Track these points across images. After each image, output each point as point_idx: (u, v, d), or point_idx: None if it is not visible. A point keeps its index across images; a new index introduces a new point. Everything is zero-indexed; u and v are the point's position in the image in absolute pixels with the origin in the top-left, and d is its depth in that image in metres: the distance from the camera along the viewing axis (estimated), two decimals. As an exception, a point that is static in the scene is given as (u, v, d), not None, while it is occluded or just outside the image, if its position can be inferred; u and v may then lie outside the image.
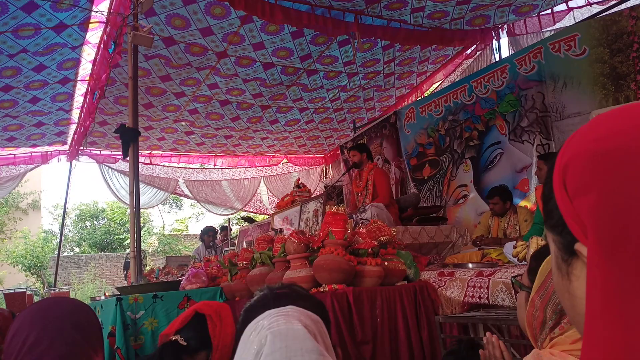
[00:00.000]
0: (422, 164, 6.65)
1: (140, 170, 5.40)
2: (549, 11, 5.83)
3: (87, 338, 1.41)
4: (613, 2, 5.21)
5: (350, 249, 3.20)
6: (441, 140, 6.38)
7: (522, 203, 5.03)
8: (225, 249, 6.25)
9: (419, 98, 7.54)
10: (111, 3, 4.72)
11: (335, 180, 7.26)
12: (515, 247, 3.15)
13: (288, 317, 0.99)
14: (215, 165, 9.64)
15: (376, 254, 3.20)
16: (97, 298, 4.51)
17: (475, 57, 6.83)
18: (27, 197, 19.59)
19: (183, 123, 7.69)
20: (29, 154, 7.90)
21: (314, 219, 4.51)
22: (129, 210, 4.66)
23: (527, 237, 3.72)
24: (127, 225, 18.73)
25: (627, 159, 0.44)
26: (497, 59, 6.30)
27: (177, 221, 23.21)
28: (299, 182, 5.60)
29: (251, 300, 1.18)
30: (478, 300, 3.00)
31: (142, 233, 4.99)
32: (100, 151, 8.37)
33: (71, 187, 8.60)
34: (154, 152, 8.88)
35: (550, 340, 1.15)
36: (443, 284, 3.32)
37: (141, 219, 4.64)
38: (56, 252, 11.95)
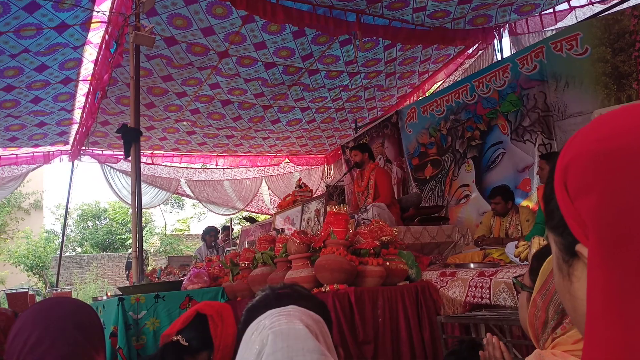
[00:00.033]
0: (424, 164, 6.64)
1: (142, 170, 5.40)
2: (551, 10, 5.83)
3: (89, 338, 1.41)
4: (615, 1, 5.20)
5: (352, 249, 3.20)
6: (443, 140, 6.37)
7: (524, 203, 5.03)
8: (227, 249, 6.26)
9: (420, 97, 7.54)
10: (113, 3, 4.73)
11: (336, 180, 7.26)
12: (517, 247, 3.15)
13: (290, 317, 0.99)
14: (216, 165, 9.65)
15: (378, 254, 3.20)
16: (99, 298, 4.52)
17: (476, 56, 6.82)
18: (29, 197, 19.63)
19: (185, 123, 7.70)
20: (31, 154, 7.92)
21: (316, 219, 4.51)
22: (130, 210, 4.66)
23: (529, 237, 3.71)
24: (129, 225, 18.77)
25: (629, 159, 0.44)
26: (499, 58, 6.29)
27: (179, 221, 23.24)
28: (301, 182, 5.60)
29: (253, 300, 1.18)
30: (480, 300, 3.00)
31: (144, 233, 4.99)
32: (102, 151, 8.39)
33: (73, 187, 8.61)
34: (155, 152, 8.89)
35: (552, 340, 1.15)
36: (445, 284, 3.32)
37: (143, 219, 4.64)
38: (58, 252, 11.97)
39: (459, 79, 6.86)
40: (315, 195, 5.79)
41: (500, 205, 4.55)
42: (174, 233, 21.75)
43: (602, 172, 0.45)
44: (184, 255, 15.06)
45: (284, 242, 3.44)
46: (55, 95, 6.20)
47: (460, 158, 6.10)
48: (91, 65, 5.71)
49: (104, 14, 4.84)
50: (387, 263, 3.20)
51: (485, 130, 5.77)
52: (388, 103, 8.11)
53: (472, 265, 3.54)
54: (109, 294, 4.84)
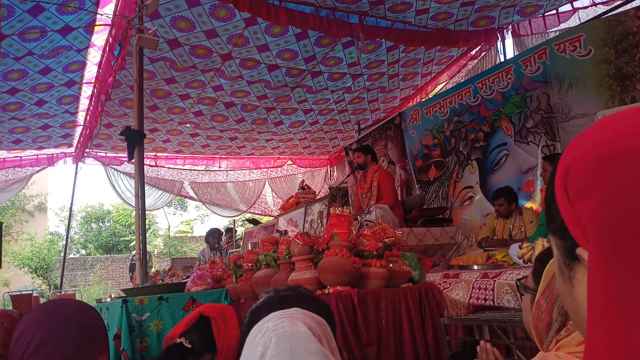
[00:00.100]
0: (428, 166, 6.63)
1: (145, 172, 5.42)
2: (554, 12, 5.81)
3: (92, 340, 1.41)
4: (618, 3, 5.19)
5: (355, 251, 3.20)
6: (446, 141, 6.36)
7: (528, 204, 5.02)
8: (230, 251, 6.26)
9: (423, 99, 7.53)
10: (116, 6, 4.75)
11: (339, 182, 7.26)
12: (520, 249, 3.14)
13: (293, 320, 0.99)
14: (220, 167, 9.67)
15: (381, 256, 3.20)
16: (103, 300, 4.53)
17: (479, 58, 6.81)
18: (34, 199, 19.70)
19: (188, 125, 7.72)
20: (35, 156, 7.95)
21: (319, 221, 4.51)
22: (134, 212, 4.67)
23: (533, 238, 3.70)
24: (133, 227, 18.78)
25: (631, 160, 0.44)
26: (502, 59, 6.28)
27: (182, 223, 23.27)
28: (304, 183, 5.60)
29: (257, 302, 1.19)
30: (483, 302, 2.99)
31: (147, 235, 5.00)
32: (105, 153, 8.42)
33: (77, 189, 8.64)
34: (159, 154, 8.92)
35: (556, 342, 1.15)
36: (448, 285, 3.31)
37: (146, 221, 4.65)
38: (62, 254, 12.00)
39: (462, 80, 6.85)
40: (318, 197, 5.79)
41: (504, 206, 4.54)
42: (177, 235, 21.78)
43: (603, 173, 0.45)
44: (188, 257, 15.08)
45: (287, 244, 3.44)
46: (59, 98, 6.23)
47: (464, 160, 6.09)
48: (95, 68, 5.73)
49: (107, 16, 4.86)
50: (390, 265, 3.20)
51: (489, 131, 5.76)
52: (391, 105, 8.11)
53: (475, 267, 3.53)
54: (112, 296, 4.86)
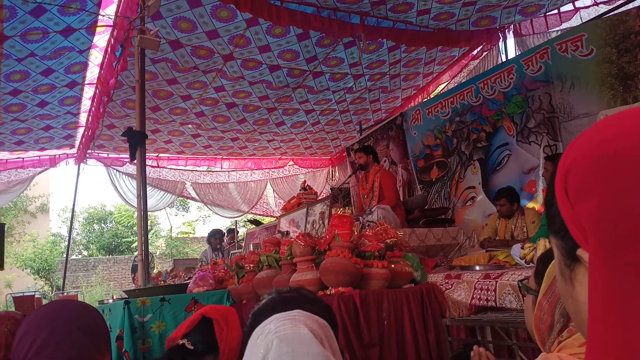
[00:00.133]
0: (430, 166, 6.63)
1: (147, 173, 5.42)
2: (556, 11, 5.80)
3: (94, 341, 1.42)
4: (620, 2, 5.18)
5: (357, 252, 3.20)
6: (448, 141, 6.36)
7: (530, 205, 5.01)
8: (232, 252, 6.27)
9: (425, 99, 7.53)
10: (118, 6, 4.75)
11: (341, 183, 7.26)
12: (522, 249, 3.13)
13: (295, 322, 0.99)
14: (221, 167, 9.67)
15: (383, 257, 3.19)
16: (105, 301, 4.53)
17: (481, 58, 6.81)
18: (36, 200, 19.74)
19: (190, 126, 7.72)
20: (38, 158, 7.97)
21: (320, 222, 4.51)
22: (136, 213, 4.68)
23: (535, 239, 3.69)
24: (135, 228, 18.83)
25: (631, 160, 0.44)
26: (504, 59, 6.27)
27: (184, 224, 23.30)
28: (305, 184, 5.60)
29: (259, 304, 1.19)
30: (485, 302, 2.99)
31: (149, 236, 5.01)
32: (107, 154, 8.43)
33: (79, 190, 8.65)
34: (161, 155, 8.92)
35: (558, 343, 1.14)
36: (450, 286, 3.31)
37: (148, 221, 4.65)
38: (64, 255, 12.02)
39: (463, 80, 6.84)
40: (320, 197, 5.79)
41: (506, 207, 4.54)
42: (179, 236, 21.81)
43: (604, 173, 0.46)
44: (190, 258, 15.09)
45: (289, 244, 3.44)
46: (61, 99, 6.24)
47: (466, 160, 6.09)
48: (97, 69, 5.74)
49: (109, 17, 4.87)
50: (392, 265, 3.20)
51: (491, 132, 5.76)
52: (392, 105, 8.11)
53: (477, 268, 3.52)
54: (115, 297, 4.86)
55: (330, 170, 10.24)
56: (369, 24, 5.38)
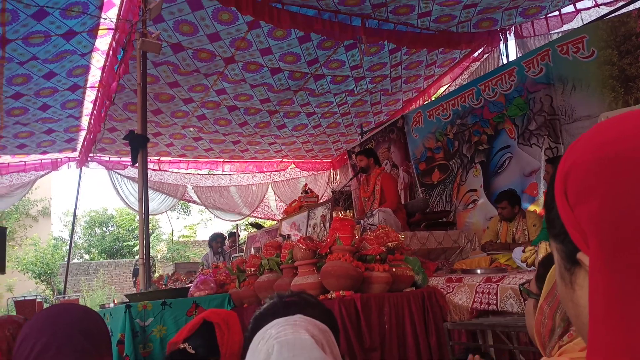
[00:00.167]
0: (431, 169, 6.62)
1: (149, 176, 5.43)
2: (557, 13, 5.80)
3: (96, 345, 1.42)
4: (621, 4, 5.18)
5: (358, 255, 3.19)
6: (450, 144, 6.35)
7: (531, 207, 5.00)
8: (233, 255, 6.26)
9: (426, 102, 7.53)
10: (120, 10, 4.76)
11: (342, 186, 7.26)
12: (524, 252, 3.13)
13: (296, 327, 0.99)
14: (223, 171, 9.67)
15: (384, 260, 3.19)
16: (107, 305, 4.53)
17: (482, 60, 6.81)
18: (37, 204, 19.75)
19: (191, 129, 7.73)
20: (39, 161, 7.97)
21: (322, 225, 4.50)
22: (137, 217, 4.68)
23: (536, 242, 3.69)
24: (136, 232, 18.82)
25: (632, 162, 0.44)
26: (505, 61, 6.27)
27: (186, 227, 23.29)
28: (307, 187, 5.60)
29: (261, 308, 1.19)
30: (486, 306, 2.98)
31: (150, 239, 5.00)
32: (109, 157, 8.43)
33: (81, 193, 8.65)
34: (162, 158, 8.93)
35: (558, 348, 1.14)
36: (451, 290, 3.30)
37: (150, 225, 4.66)
38: (66, 259, 12.03)
39: (464, 82, 6.84)
40: (321, 200, 5.79)
41: (507, 210, 4.53)
42: (180, 239, 21.80)
43: (605, 175, 0.46)
44: (191, 262, 15.09)
45: (290, 248, 3.44)
46: (63, 103, 6.25)
47: (467, 163, 6.08)
48: (99, 72, 5.75)
49: (111, 21, 4.88)
50: (394, 269, 3.20)
51: (493, 134, 5.75)
52: (394, 107, 8.11)
53: (478, 271, 3.52)
54: (116, 301, 4.86)
55: (332, 173, 10.23)
56: (370, 27, 5.38)
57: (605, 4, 5.41)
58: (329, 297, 3.02)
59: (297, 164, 10.14)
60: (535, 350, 2.21)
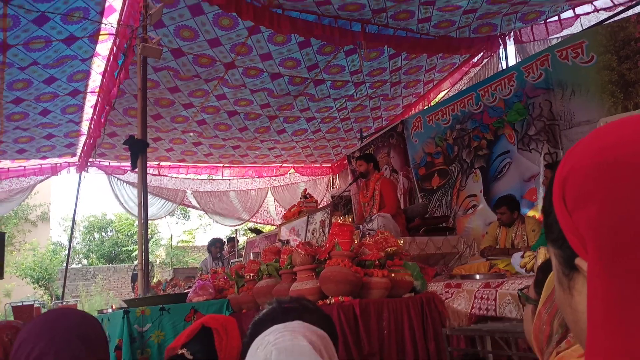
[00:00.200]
0: (431, 174, 6.62)
1: (148, 181, 5.42)
2: (556, 18, 5.81)
3: (93, 351, 1.41)
4: (620, 9, 5.19)
5: (357, 261, 3.19)
6: (449, 149, 6.35)
7: (530, 213, 4.99)
8: (232, 261, 6.25)
9: (426, 107, 7.53)
10: (121, 15, 4.78)
11: (342, 191, 7.25)
12: (522, 258, 3.12)
13: (294, 333, 0.99)
14: (222, 176, 9.67)
15: (383, 266, 3.19)
16: (105, 310, 4.52)
17: (482, 65, 6.81)
18: (37, 209, 19.73)
19: (191, 134, 7.74)
20: (39, 166, 7.97)
21: (321, 230, 4.50)
22: (137, 222, 4.68)
23: (535, 247, 3.68)
24: (135, 237, 18.81)
25: (631, 167, 0.44)
26: (504, 67, 6.27)
27: (185, 232, 23.26)
28: (306, 192, 5.60)
29: (259, 314, 1.19)
30: (485, 312, 2.97)
31: (149, 245, 5.00)
32: (109, 162, 8.43)
33: (80, 198, 8.65)
34: (162, 163, 8.93)
35: (556, 354, 1.13)
36: (450, 295, 3.29)
37: (149, 230, 4.65)
38: (64, 264, 12.00)
39: (464, 87, 6.85)
40: (320, 205, 5.79)
41: (506, 215, 4.52)
42: (179, 244, 21.77)
43: (604, 180, 0.46)
44: (190, 267, 15.06)
45: (289, 253, 3.44)
46: (63, 108, 6.25)
47: (467, 168, 6.08)
48: (99, 77, 5.76)
49: (112, 26, 4.89)
50: (393, 274, 3.19)
51: (492, 139, 5.75)
52: (393, 112, 8.12)
53: (477, 277, 3.51)
54: (114, 307, 4.85)
55: (331, 178, 10.23)
56: (370, 32, 5.40)
57: (604, 9, 5.42)
58: (328, 302, 3.02)
59: (297, 169, 10.14)
60: (533, 357, 2.21)
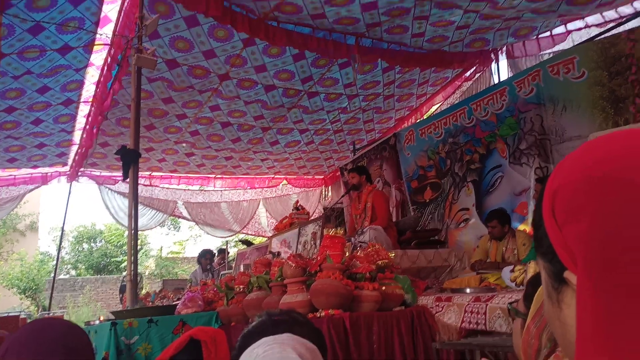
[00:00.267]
0: (424, 187, 6.63)
1: (139, 191, 5.40)
2: (548, 34, 5.88)
3: (79, 362, 1.39)
4: (611, 25, 5.26)
5: (348, 273, 3.18)
6: (442, 162, 6.38)
7: (521, 227, 5.00)
8: (222, 273, 6.21)
9: (418, 120, 7.58)
10: (116, 26, 4.78)
11: (334, 203, 7.25)
12: (513, 272, 3.13)
13: (283, 346, 0.98)
14: (214, 187, 9.63)
15: (374, 278, 3.17)
16: (92, 322, 4.46)
17: (474, 79, 6.87)
18: (25, 218, 19.52)
19: (184, 144, 7.72)
20: (29, 175, 7.89)
21: (312, 242, 4.49)
22: (126, 232, 4.64)
23: (526, 261, 3.69)
24: (125, 248, 18.64)
25: (620, 182, 0.45)
26: (496, 81, 6.33)
27: (175, 243, 23.07)
28: (298, 204, 5.59)
29: (249, 326, 1.18)
30: (475, 326, 2.97)
31: (139, 256, 4.95)
32: (100, 172, 8.37)
33: (70, 208, 8.56)
34: (154, 173, 8.88)
35: (546, 369, 1.13)
36: (440, 309, 3.28)
37: (138, 241, 4.61)
38: (52, 275, 11.86)
39: (456, 101, 6.90)
40: (312, 217, 5.77)
41: (497, 229, 4.54)
42: (169, 255, 21.58)
43: (593, 195, 0.46)
44: (179, 278, 14.93)
45: (279, 265, 3.41)
46: (55, 117, 6.22)
47: (460, 181, 6.10)
48: (93, 87, 5.74)
49: (107, 36, 4.89)
50: (383, 288, 3.18)
51: (484, 153, 5.78)
52: (386, 125, 8.15)
53: (468, 290, 3.51)
54: (101, 318, 4.79)
55: (324, 190, 10.22)
56: (364, 45, 5.44)
57: (595, 25, 5.49)
58: (318, 315, 3.00)
59: (289, 181, 10.13)
60: (524, 371, 2.20)
